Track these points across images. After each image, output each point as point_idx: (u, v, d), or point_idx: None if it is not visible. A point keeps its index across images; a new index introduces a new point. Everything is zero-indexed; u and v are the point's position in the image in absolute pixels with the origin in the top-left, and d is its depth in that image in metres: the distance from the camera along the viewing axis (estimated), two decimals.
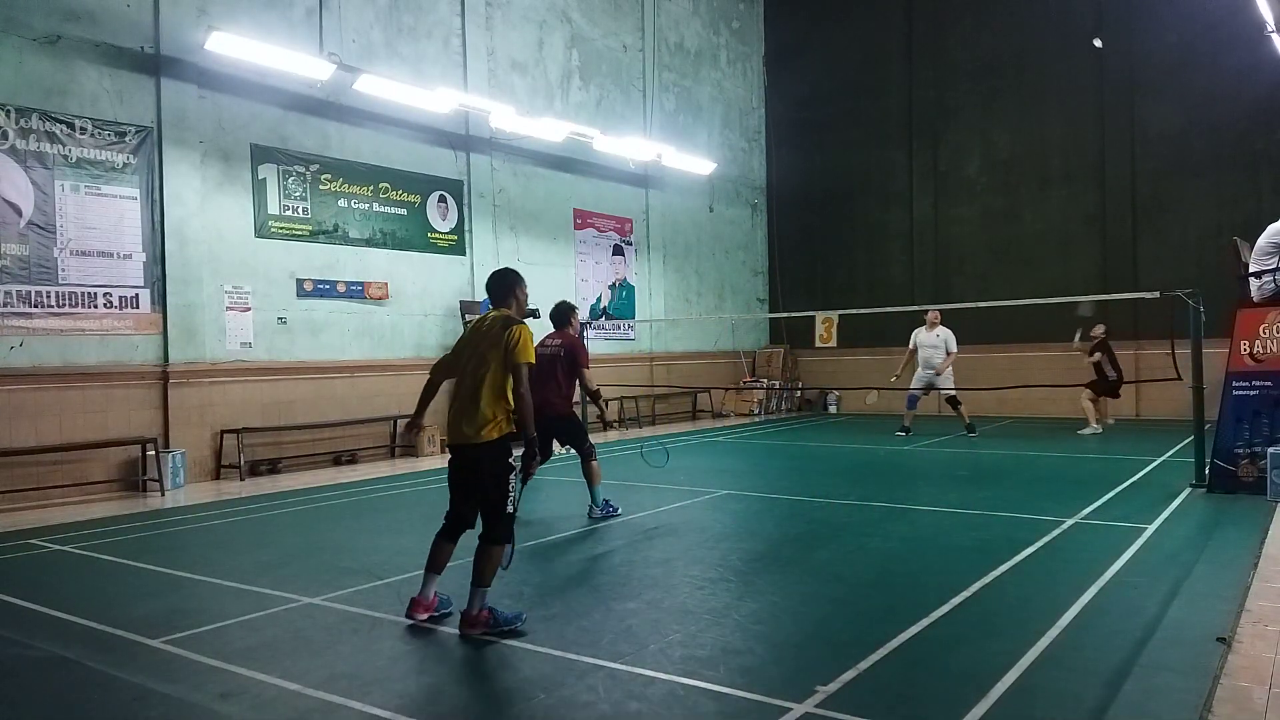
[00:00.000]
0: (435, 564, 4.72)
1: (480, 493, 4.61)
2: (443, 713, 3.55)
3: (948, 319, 14.43)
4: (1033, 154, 16.96)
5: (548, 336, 7.71)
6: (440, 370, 5.01)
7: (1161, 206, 15.72)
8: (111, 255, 9.71)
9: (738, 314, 19.42)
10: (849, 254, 19.07)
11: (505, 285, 4.91)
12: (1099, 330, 13.51)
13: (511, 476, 4.59)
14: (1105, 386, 13.47)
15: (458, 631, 4.49)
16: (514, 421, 4.63)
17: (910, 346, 13.52)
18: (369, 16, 12.28)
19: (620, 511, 7.57)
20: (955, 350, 13.12)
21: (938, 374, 13.11)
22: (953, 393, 13.25)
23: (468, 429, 4.58)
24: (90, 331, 9.53)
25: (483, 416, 4.55)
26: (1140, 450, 10.88)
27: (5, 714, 3.71)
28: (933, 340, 13.19)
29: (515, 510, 4.63)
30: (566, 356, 7.51)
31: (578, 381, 7.63)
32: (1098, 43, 15.44)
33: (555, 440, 7.74)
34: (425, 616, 4.66)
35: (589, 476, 7.50)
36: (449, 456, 4.79)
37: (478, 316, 5.06)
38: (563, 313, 7.77)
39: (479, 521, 4.69)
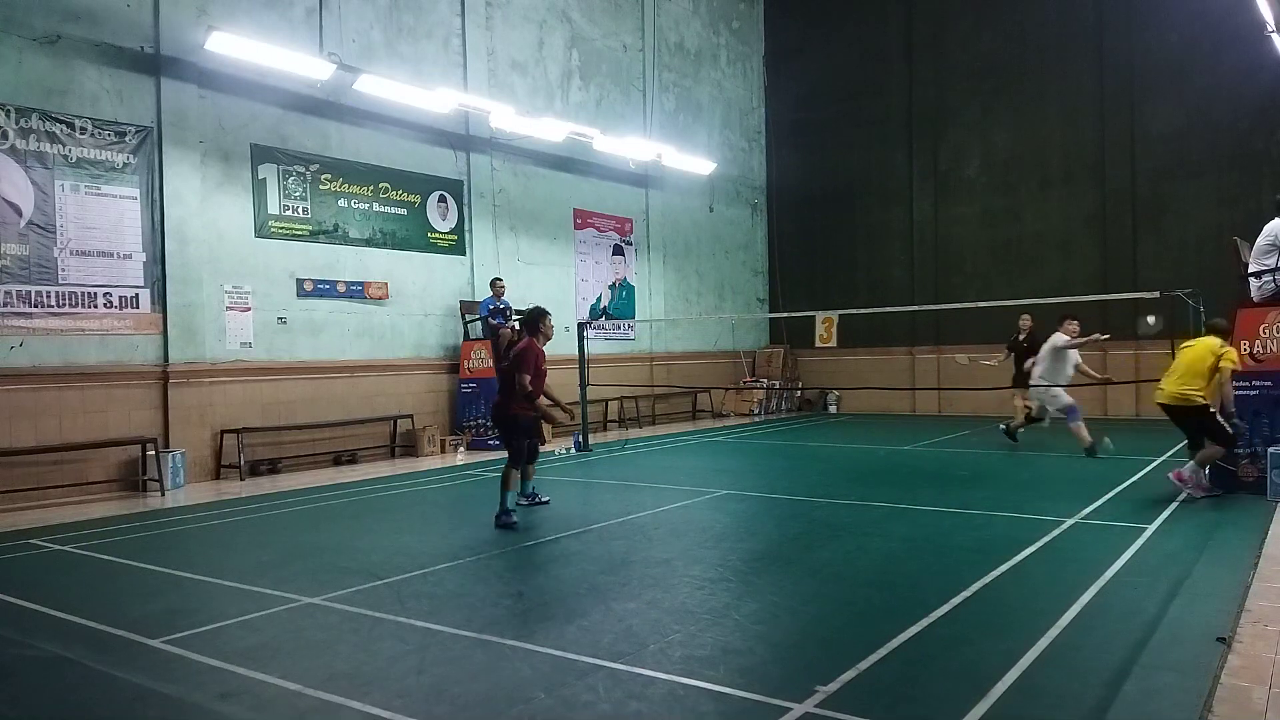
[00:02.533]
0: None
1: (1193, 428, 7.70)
2: (443, 713, 3.55)
3: (948, 319, 14.39)
4: (1033, 154, 16.96)
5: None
6: None
7: (1161, 206, 15.72)
8: (111, 255, 9.71)
9: (738, 314, 19.43)
10: (849, 254, 19.07)
11: None
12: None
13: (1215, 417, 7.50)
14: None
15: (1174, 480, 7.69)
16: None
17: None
18: (369, 16, 12.28)
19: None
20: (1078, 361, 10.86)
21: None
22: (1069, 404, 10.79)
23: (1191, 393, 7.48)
24: (90, 331, 9.53)
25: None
26: (1140, 450, 10.87)
27: (6, 713, 3.71)
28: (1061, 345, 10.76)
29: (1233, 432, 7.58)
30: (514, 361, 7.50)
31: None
32: (1150, 320, 12.83)
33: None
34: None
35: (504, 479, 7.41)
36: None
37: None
38: (531, 318, 7.69)
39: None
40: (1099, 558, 5.65)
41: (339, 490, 9.51)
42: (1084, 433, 10.55)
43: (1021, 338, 12.47)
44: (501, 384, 7.95)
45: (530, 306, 7.87)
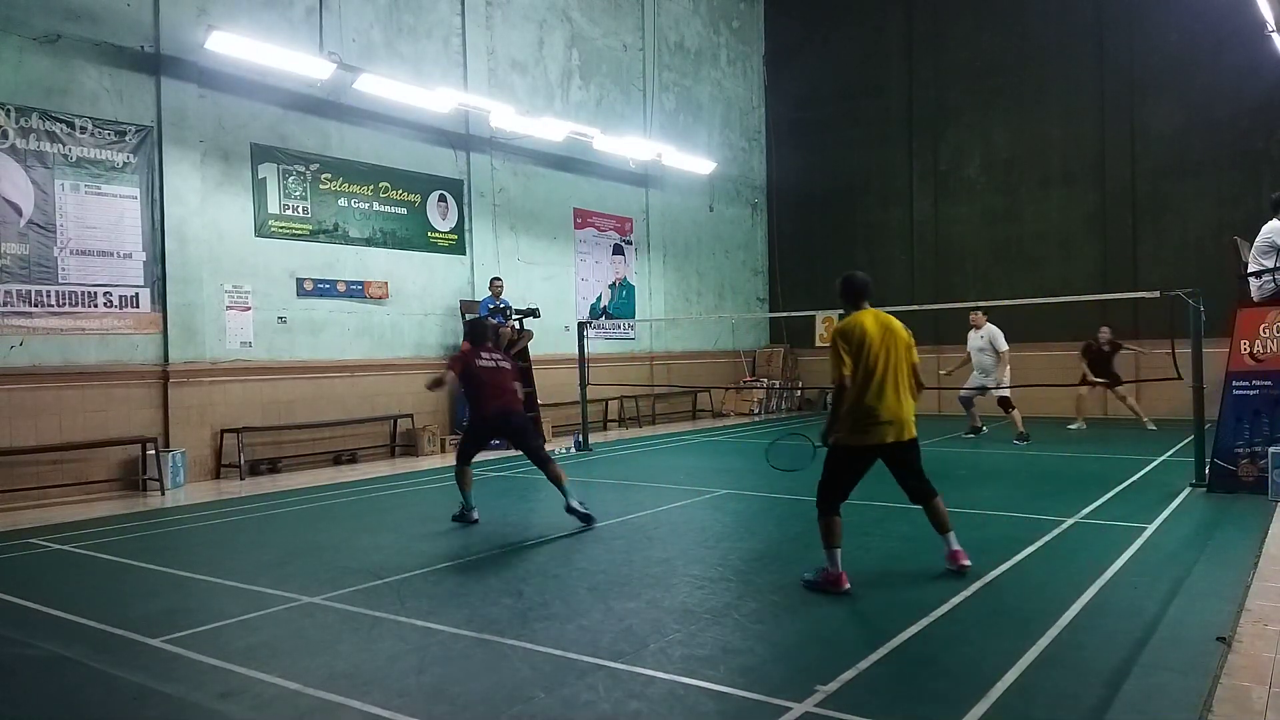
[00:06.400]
0: (840, 539, 5.21)
1: (914, 469, 5.45)
2: (442, 712, 3.55)
3: (948, 318, 14.40)
4: (1033, 154, 16.96)
5: (485, 349, 7.63)
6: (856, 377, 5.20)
7: (1161, 206, 15.72)
8: (111, 255, 9.71)
9: (738, 314, 19.42)
10: (849, 254, 19.01)
11: (871, 285, 5.46)
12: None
13: None
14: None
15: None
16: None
17: (967, 349, 12.93)
18: (369, 16, 12.27)
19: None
20: (1005, 348, 12.31)
21: (990, 378, 12.42)
22: (1005, 394, 12.37)
23: (911, 429, 5.32)
24: (90, 331, 9.53)
25: (912, 413, 5.33)
26: (1140, 450, 10.87)
27: (6, 713, 3.71)
28: (978, 342, 12.57)
29: None
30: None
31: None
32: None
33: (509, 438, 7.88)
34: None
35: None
36: (868, 450, 5.28)
37: (861, 318, 5.32)
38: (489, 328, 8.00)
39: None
40: (1099, 558, 5.65)
41: (339, 490, 9.50)
42: (977, 419, 13.14)
43: (1105, 347, 13.77)
44: (503, 385, 7.64)
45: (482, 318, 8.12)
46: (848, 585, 5.07)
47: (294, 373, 11.34)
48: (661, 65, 17.52)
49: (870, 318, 5.31)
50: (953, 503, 7.80)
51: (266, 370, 11.06)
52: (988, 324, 12.50)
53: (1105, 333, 13.77)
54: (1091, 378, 13.66)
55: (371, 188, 12.33)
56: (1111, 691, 3.57)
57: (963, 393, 13.06)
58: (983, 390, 12.57)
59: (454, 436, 12.91)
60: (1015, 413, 12.41)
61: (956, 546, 5.42)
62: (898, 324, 5.36)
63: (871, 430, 5.21)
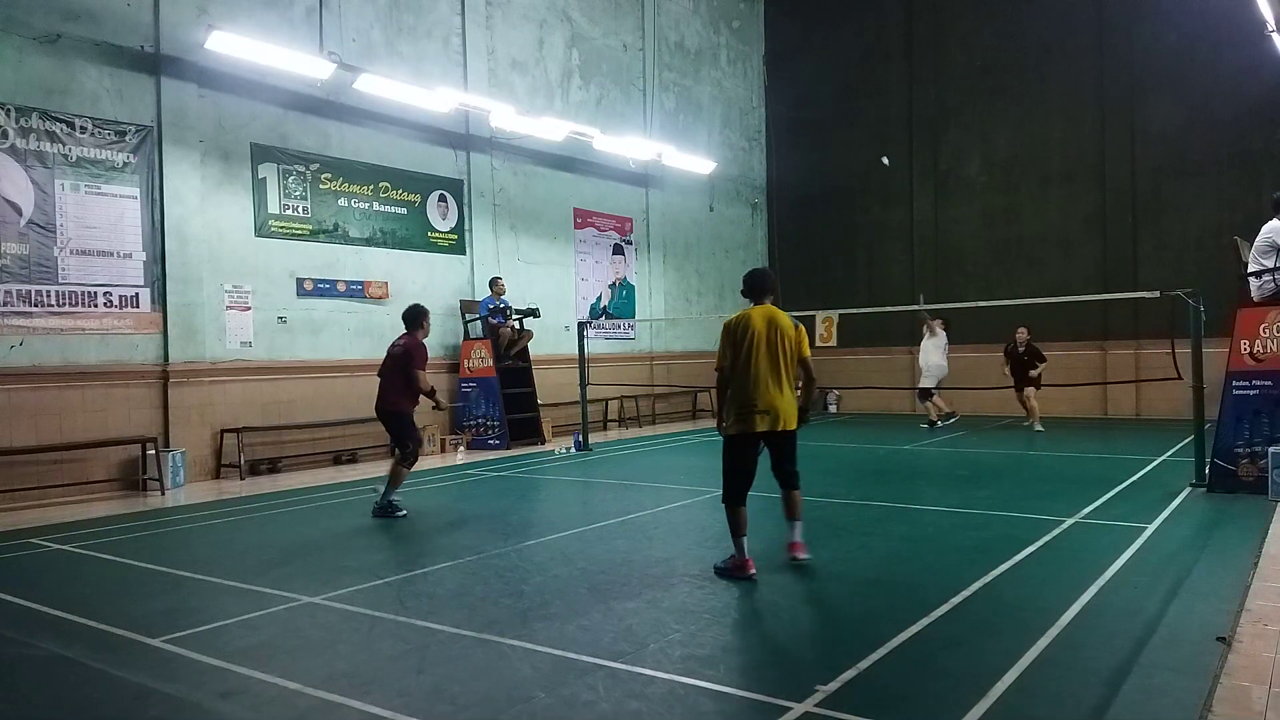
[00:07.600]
0: (745, 528, 5.48)
1: (788, 457, 5.65)
2: (442, 712, 3.55)
3: (947, 318, 14.53)
4: (1033, 154, 16.95)
5: (400, 337, 8.26)
6: (730, 370, 5.58)
7: (1161, 206, 15.72)
8: (111, 254, 9.70)
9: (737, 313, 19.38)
10: (849, 254, 19.06)
11: (771, 282, 5.83)
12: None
13: None
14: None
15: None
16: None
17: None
18: (369, 16, 12.27)
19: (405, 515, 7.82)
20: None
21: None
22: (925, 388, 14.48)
23: (789, 421, 5.52)
24: (90, 331, 9.53)
25: (794, 408, 5.57)
26: (1140, 450, 10.88)
27: (6, 713, 3.71)
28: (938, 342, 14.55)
29: None
30: (403, 356, 8.04)
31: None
32: (885, 160, 17.57)
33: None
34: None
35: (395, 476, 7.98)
36: (749, 438, 5.50)
37: (751, 312, 5.64)
38: (414, 315, 8.21)
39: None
40: (1099, 558, 5.65)
41: (339, 490, 9.50)
42: (933, 411, 14.47)
43: (1021, 349, 14.15)
44: (389, 379, 8.17)
45: (411, 305, 8.37)
46: (753, 570, 5.36)
47: (294, 373, 11.34)
48: (661, 65, 17.52)
49: (759, 313, 5.63)
50: (953, 503, 7.84)
51: (266, 370, 11.06)
52: (939, 330, 14.45)
53: (1022, 334, 14.08)
54: (1007, 374, 14.09)
55: (371, 188, 12.33)
56: (1111, 691, 3.57)
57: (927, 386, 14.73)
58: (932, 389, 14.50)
59: (454, 436, 12.92)
60: (928, 404, 14.48)
61: (798, 538, 5.65)
62: (787, 321, 5.64)
63: (750, 419, 5.49)
